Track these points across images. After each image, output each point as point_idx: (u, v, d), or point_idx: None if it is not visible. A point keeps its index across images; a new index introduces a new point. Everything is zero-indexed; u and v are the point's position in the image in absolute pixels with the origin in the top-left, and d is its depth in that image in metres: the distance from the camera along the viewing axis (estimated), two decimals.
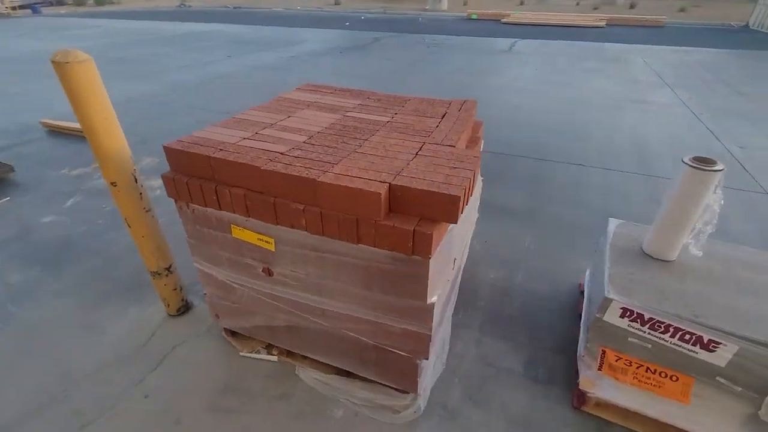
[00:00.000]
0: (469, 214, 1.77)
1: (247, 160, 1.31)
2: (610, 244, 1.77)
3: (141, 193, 1.68)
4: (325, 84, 2.21)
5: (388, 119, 1.72)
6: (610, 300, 1.48)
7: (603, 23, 13.20)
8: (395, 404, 1.59)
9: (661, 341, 1.44)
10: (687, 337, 1.39)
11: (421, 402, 1.58)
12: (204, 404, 1.64)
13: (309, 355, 1.73)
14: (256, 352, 1.83)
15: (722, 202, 1.50)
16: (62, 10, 18.65)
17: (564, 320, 2.04)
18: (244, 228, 1.42)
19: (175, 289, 1.98)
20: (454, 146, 1.45)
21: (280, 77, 6.99)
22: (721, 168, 1.45)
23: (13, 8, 17.17)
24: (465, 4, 19.38)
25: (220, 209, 1.42)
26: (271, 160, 1.31)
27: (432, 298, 1.30)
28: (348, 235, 1.24)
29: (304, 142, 1.47)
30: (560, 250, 2.54)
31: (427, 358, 1.46)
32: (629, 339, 1.50)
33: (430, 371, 1.62)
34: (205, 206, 1.44)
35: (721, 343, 1.35)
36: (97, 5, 20.41)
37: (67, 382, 1.74)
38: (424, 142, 1.48)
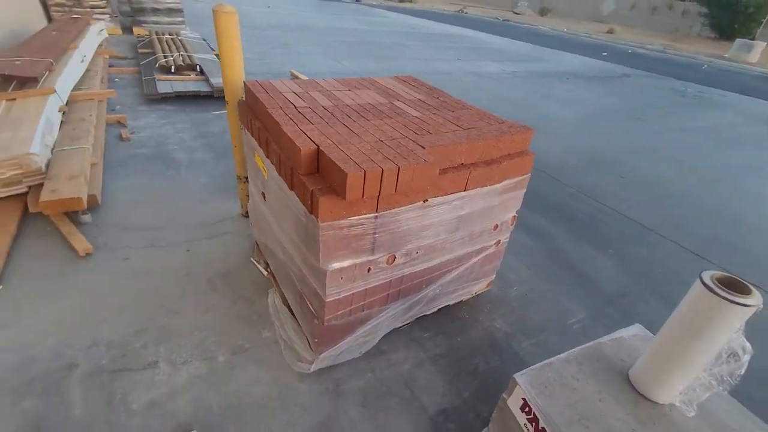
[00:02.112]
0: (443, 224, 1.67)
1: (268, 103, 1.68)
2: (595, 344, 1.38)
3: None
4: (426, 82, 2.34)
5: (418, 115, 1.78)
6: (516, 383, 1.22)
7: None
8: (303, 354, 1.75)
9: None
10: None
11: (315, 365, 1.68)
12: (206, 276, 2.18)
13: (278, 281, 2.04)
14: (257, 262, 2.27)
15: (750, 354, 1.00)
16: (373, 1, 23.50)
17: None
18: (257, 154, 1.81)
19: (247, 195, 2.59)
20: (424, 148, 1.43)
21: (483, 85, 7.17)
22: (754, 304, 0.97)
23: None
24: None
25: (252, 136, 1.85)
26: (280, 108, 1.64)
27: (328, 266, 1.40)
28: (288, 179, 1.46)
29: (323, 106, 1.73)
30: None
31: (323, 324, 1.55)
32: None
33: (340, 347, 1.69)
34: (248, 132, 1.90)
35: None
36: (399, 2, 24.78)
37: (170, 220, 2.59)
38: (407, 137, 1.51)
